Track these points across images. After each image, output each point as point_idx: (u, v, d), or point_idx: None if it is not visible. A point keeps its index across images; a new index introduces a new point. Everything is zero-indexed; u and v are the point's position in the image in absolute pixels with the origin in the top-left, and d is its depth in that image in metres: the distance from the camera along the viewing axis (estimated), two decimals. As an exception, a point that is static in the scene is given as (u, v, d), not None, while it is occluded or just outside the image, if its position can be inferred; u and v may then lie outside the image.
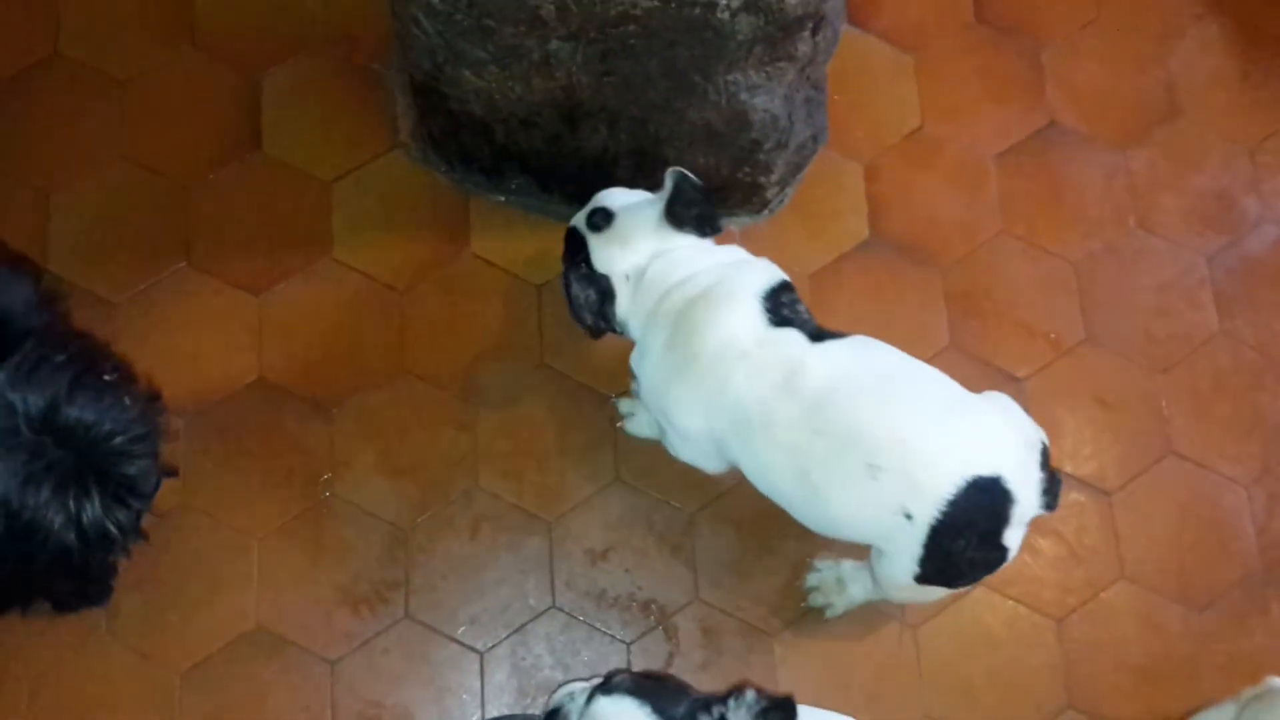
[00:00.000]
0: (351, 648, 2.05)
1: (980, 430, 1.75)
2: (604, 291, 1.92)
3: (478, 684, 2.05)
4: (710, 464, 1.95)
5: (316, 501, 2.12)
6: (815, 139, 2.30)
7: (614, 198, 1.98)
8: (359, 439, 2.16)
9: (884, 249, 2.32)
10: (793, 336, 1.81)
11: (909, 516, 1.72)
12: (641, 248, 1.91)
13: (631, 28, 1.87)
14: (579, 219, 1.97)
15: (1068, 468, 2.21)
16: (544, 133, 2.12)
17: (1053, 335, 2.30)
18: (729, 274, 1.87)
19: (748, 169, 2.20)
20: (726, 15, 1.84)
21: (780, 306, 1.85)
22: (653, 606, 2.10)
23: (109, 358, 1.78)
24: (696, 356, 1.83)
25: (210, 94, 2.35)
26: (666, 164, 2.15)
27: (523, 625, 2.08)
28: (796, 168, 2.30)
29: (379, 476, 2.14)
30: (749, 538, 2.13)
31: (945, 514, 1.70)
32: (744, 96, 2.03)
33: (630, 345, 1.96)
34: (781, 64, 2.00)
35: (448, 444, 2.16)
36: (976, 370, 2.25)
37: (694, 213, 1.90)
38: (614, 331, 1.97)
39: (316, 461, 2.14)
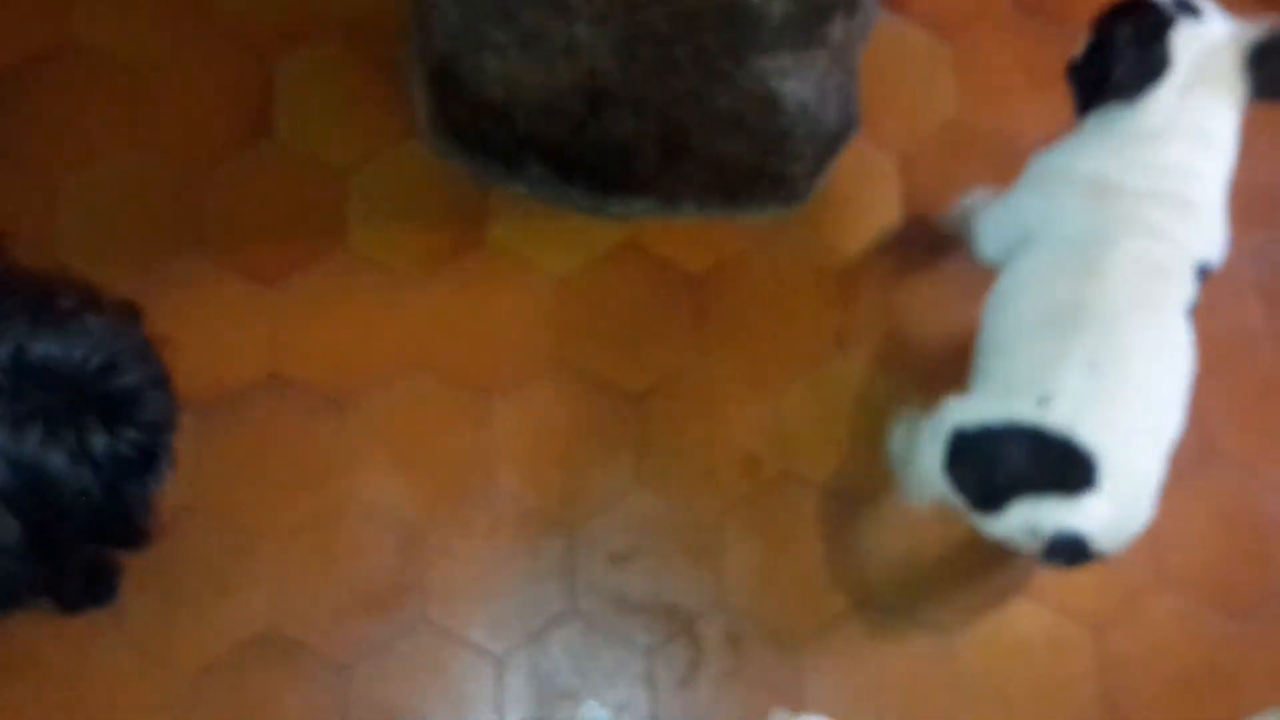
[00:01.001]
0: (364, 652, 2.00)
1: (1116, 464, 1.69)
2: (1158, 70, 1.73)
3: (494, 690, 2.00)
4: (994, 248, 1.96)
5: (329, 500, 2.07)
6: (847, 128, 2.25)
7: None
8: (373, 436, 2.11)
9: (918, 242, 2.26)
10: (1185, 298, 1.76)
11: (1042, 402, 1.68)
12: (1215, 69, 1.72)
13: (659, 11, 1.81)
14: None
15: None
16: (566, 120, 2.07)
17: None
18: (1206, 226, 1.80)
19: (776, 158, 2.14)
20: (759, -2, 1.79)
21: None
22: (676, 612, 2.05)
23: (65, 285, 1.74)
24: (1120, 201, 1.75)
25: (223, 80, 2.30)
26: (693, 152, 2.11)
27: (541, 630, 2.03)
28: (827, 157, 2.25)
29: (393, 475, 2.09)
30: (776, 543, 2.08)
31: (1036, 431, 1.68)
32: (774, 83, 1.97)
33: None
34: (814, 49, 1.94)
35: (465, 442, 2.11)
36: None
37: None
38: (1096, 107, 1.82)
39: (329, 459, 2.09)
